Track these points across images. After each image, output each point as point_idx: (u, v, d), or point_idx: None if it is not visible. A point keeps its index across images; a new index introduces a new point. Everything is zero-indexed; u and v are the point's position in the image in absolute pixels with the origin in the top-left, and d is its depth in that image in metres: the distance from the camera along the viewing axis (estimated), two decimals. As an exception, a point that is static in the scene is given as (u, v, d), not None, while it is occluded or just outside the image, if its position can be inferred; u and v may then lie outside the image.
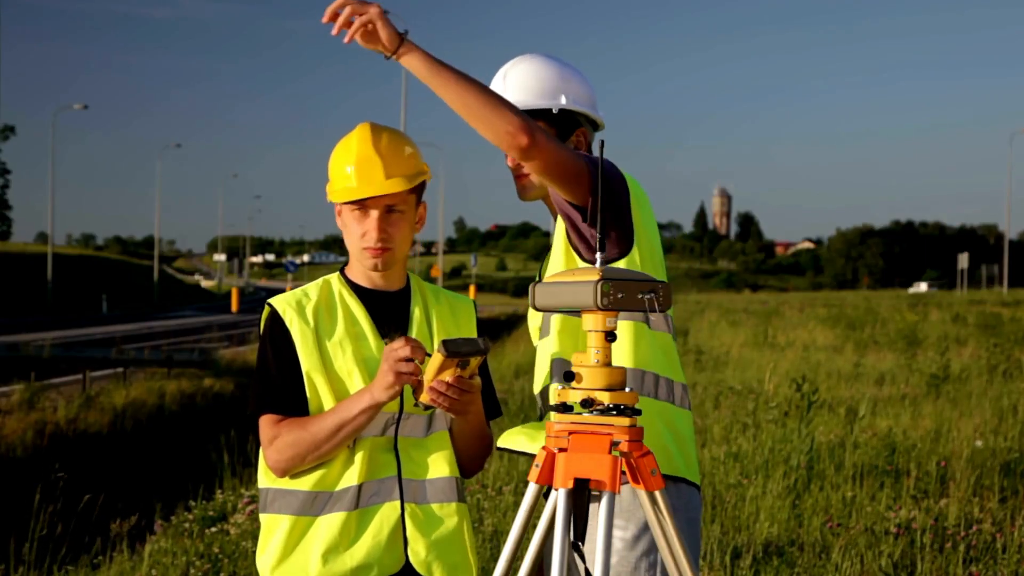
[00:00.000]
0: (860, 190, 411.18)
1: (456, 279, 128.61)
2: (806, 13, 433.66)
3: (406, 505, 2.65)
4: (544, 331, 2.89)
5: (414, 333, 2.73)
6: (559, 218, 2.91)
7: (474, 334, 2.82)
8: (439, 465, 2.70)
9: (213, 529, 6.70)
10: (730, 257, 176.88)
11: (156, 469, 11.24)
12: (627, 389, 2.32)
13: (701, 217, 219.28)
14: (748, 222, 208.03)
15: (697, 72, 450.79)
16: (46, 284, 52.21)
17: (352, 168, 2.68)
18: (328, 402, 2.64)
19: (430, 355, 2.53)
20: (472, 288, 56.03)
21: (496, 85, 2.96)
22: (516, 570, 2.45)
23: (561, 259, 2.86)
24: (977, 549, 5.97)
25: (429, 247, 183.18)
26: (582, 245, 2.78)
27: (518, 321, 34.33)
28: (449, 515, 2.68)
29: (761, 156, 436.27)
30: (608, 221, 2.72)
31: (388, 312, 2.74)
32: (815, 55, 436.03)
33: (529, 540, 2.45)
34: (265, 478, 2.71)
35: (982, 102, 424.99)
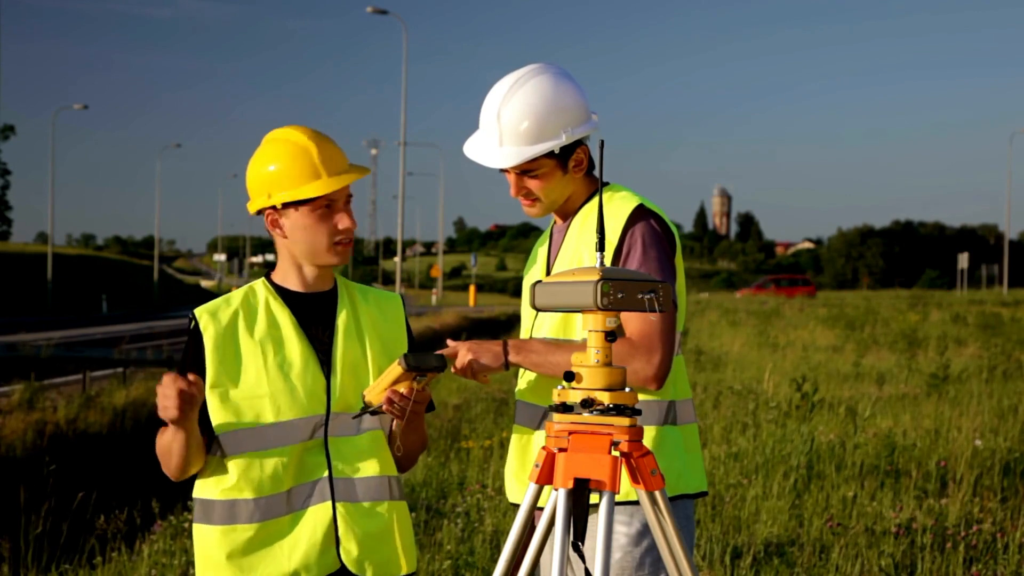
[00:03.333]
0: (860, 190, 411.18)
1: (456, 279, 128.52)
2: (806, 13, 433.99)
3: (338, 504, 2.64)
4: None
5: (341, 333, 2.72)
6: (573, 227, 2.93)
7: (403, 329, 2.84)
8: (371, 463, 2.70)
9: (213, 529, 6.68)
10: (730, 257, 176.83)
11: (156, 469, 11.24)
12: (626, 389, 2.32)
13: (701, 217, 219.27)
14: (748, 222, 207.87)
15: (697, 72, 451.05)
16: (46, 284, 52.22)
17: (316, 163, 2.67)
18: (239, 411, 2.63)
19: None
20: (472, 288, 55.99)
21: (489, 121, 2.88)
22: (516, 570, 2.45)
23: (579, 262, 2.88)
24: (977, 549, 5.97)
25: (429, 247, 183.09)
26: None
27: (518, 321, 34.32)
28: (381, 513, 2.68)
29: (761, 156, 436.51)
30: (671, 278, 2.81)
31: (315, 314, 2.73)
32: (815, 55, 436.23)
33: (529, 540, 2.45)
34: (196, 488, 2.70)
35: (982, 102, 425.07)
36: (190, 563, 6.01)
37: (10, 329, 31.15)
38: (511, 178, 2.91)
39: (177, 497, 8.19)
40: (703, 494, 2.94)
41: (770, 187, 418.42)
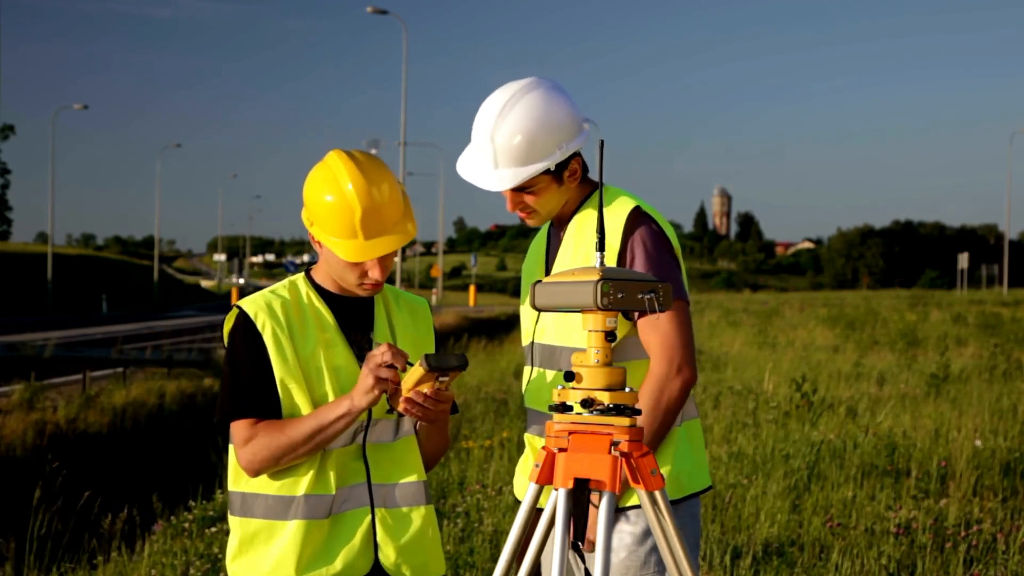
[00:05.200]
0: (860, 190, 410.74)
1: (456, 279, 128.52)
2: (806, 14, 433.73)
3: (376, 510, 2.68)
4: (560, 360, 2.90)
5: (379, 338, 2.74)
6: (570, 230, 2.94)
7: (431, 334, 2.87)
8: (407, 470, 2.73)
9: (213, 529, 6.70)
10: (730, 257, 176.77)
11: (156, 469, 11.24)
12: (626, 389, 2.32)
13: (701, 217, 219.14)
14: (748, 222, 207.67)
15: (697, 72, 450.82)
16: (46, 284, 52.21)
17: (356, 224, 2.62)
18: (303, 406, 2.64)
19: (411, 364, 2.57)
20: (472, 288, 55.98)
21: (483, 147, 2.87)
22: (516, 570, 2.45)
23: (579, 262, 2.89)
24: (977, 549, 5.96)
25: (429, 247, 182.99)
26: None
27: (518, 321, 34.28)
28: (418, 518, 2.72)
29: (761, 156, 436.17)
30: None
31: (353, 317, 2.74)
32: (815, 55, 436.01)
33: (529, 540, 2.45)
34: (235, 482, 2.70)
35: (982, 102, 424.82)
36: (190, 563, 6.00)
37: (10, 329, 31.14)
38: (507, 195, 2.93)
39: (177, 498, 8.20)
40: (709, 488, 2.97)
41: (770, 187, 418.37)
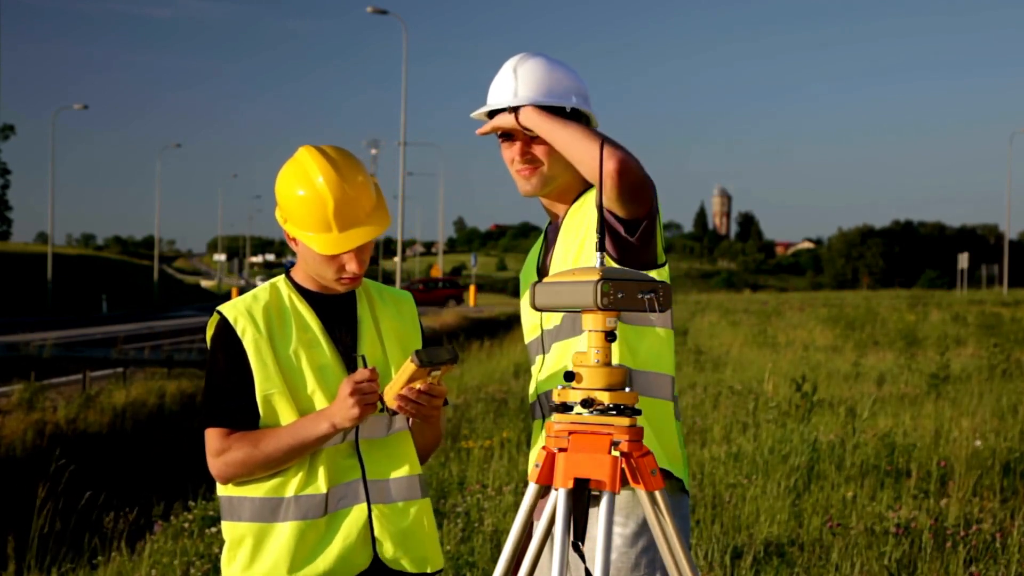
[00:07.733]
0: (860, 190, 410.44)
1: (456, 279, 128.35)
2: (808, 14, 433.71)
3: (373, 506, 2.68)
4: (572, 329, 2.87)
5: (363, 334, 2.75)
6: (564, 227, 2.92)
7: (418, 329, 2.87)
8: (402, 464, 2.74)
9: (213, 529, 6.70)
10: (730, 257, 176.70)
11: (156, 469, 11.25)
12: (626, 389, 2.32)
13: (701, 217, 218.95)
14: (748, 222, 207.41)
15: (698, 73, 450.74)
16: (46, 284, 52.22)
17: (329, 217, 2.63)
18: (284, 411, 2.64)
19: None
20: (472, 288, 55.96)
21: (504, 78, 2.93)
22: (516, 570, 2.45)
23: (569, 261, 2.86)
24: (977, 549, 5.96)
25: (429, 247, 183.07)
26: (625, 254, 2.76)
27: (518, 321, 34.26)
28: (415, 511, 2.73)
29: (761, 156, 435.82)
30: (652, 231, 2.77)
31: (336, 315, 2.74)
32: (815, 56, 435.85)
33: (529, 540, 2.45)
34: (222, 485, 2.70)
35: (982, 102, 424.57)
36: (190, 563, 6.01)
37: (10, 329, 31.14)
38: (517, 141, 2.89)
39: (177, 498, 8.20)
40: (680, 482, 2.85)
41: (770, 187, 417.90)
